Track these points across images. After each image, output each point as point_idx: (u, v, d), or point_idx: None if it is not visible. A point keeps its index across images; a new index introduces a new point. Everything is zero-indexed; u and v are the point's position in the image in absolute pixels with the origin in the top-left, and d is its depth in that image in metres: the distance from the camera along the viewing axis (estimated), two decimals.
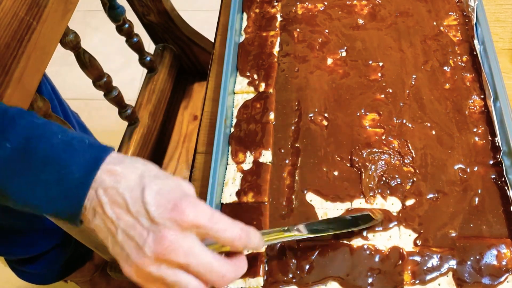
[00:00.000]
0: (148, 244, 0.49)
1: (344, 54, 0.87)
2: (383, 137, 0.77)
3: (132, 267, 0.51)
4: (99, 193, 0.51)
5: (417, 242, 0.68)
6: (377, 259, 0.67)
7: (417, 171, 0.73)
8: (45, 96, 0.83)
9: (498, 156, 0.73)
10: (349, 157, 0.76)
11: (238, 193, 0.74)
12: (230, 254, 0.56)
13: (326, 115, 0.80)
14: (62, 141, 0.53)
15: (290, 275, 0.67)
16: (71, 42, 0.92)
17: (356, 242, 0.68)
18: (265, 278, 0.67)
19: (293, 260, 0.67)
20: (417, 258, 0.66)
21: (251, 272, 0.67)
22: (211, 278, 0.51)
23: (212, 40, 0.98)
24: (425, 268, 0.66)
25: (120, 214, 0.51)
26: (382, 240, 0.68)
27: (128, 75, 2.14)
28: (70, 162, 0.51)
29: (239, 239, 0.53)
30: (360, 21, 0.91)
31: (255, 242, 0.56)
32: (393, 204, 0.71)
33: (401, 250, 0.67)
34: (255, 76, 0.86)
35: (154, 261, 0.49)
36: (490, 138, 0.75)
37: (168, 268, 0.50)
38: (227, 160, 0.78)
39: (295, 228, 0.63)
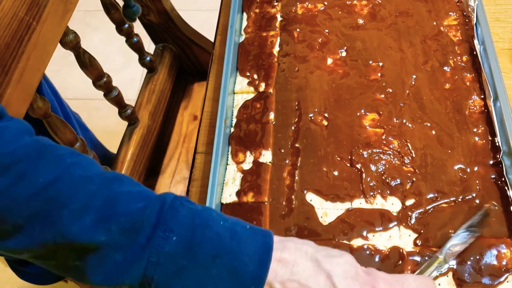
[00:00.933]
0: None
1: (344, 54, 0.87)
2: (383, 137, 0.77)
3: None
4: (276, 286, 0.49)
5: (417, 242, 0.68)
6: (377, 259, 0.67)
7: (417, 171, 0.73)
8: (45, 97, 0.83)
9: (498, 156, 0.73)
10: (349, 157, 0.76)
11: (238, 193, 0.74)
12: None
13: (326, 115, 0.80)
14: (226, 228, 0.50)
15: None
16: (71, 42, 0.92)
17: (356, 242, 0.68)
18: None
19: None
20: (417, 258, 0.66)
21: None
22: None
23: (212, 40, 0.98)
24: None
25: None
26: (382, 240, 0.68)
27: (128, 75, 2.14)
28: (241, 252, 0.49)
29: None
30: (360, 21, 0.91)
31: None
32: (393, 204, 0.71)
33: (401, 250, 0.67)
34: (255, 76, 0.86)
35: None
36: (490, 138, 0.75)
37: None
38: (227, 160, 0.78)
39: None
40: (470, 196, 0.71)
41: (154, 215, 0.49)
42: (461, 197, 0.71)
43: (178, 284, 0.47)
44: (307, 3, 0.94)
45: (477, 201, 0.70)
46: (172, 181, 1.25)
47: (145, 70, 1.32)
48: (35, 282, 1.24)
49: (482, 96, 0.79)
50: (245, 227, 0.51)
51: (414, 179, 0.73)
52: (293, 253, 0.51)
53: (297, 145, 0.78)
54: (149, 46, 1.34)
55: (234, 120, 0.82)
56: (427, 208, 0.70)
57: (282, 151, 0.78)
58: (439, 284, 0.64)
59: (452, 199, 0.71)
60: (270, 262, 0.49)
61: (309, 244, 0.53)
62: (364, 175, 0.74)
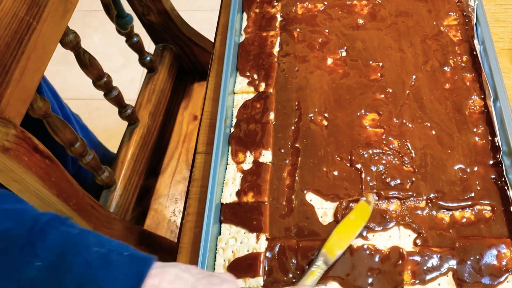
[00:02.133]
0: None
1: (344, 54, 0.87)
2: (383, 137, 0.77)
3: None
4: None
5: (417, 242, 0.68)
6: (377, 259, 0.67)
7: (417, 171, 0.73)
8: (45, 97, 0.83)
9: (498, 156, 0.73)
10: (349, 157, 0.76)
11: (238, 193, 0.74)
12: None
13: (326, 115, 0.80)
14: (100, 255, 0.48)
15: (290, 275, 0.67)
16: (71, 42, 0.92)
17: (356, 242, 0.68)
18: (265, 278, 0.67)
19: (293, 260, 0.67)
20: (417, 258, 0.66)
21: (250, 272, 0.67)
22: None
23: (212, 40, 0.98)
24: (425, 268, 0.66)
25: None
26: (382, 240, 0.68)
27: (128, 75, 2.14)
28: (107, 282, 0.47)
29: None
30: (360, 21, 0.91)
31: None
32: (393, 204, 0.71)
33: (401, 250, 0.67)
34: (255, 76, 0.85)
35: None
36: (490, 138, 0.75)
37: None
38: (227, 160, 0.78)
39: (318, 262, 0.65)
40: (470, 196, 0.71)
41: (21, 237, 0.47)
42: (461, 197, 0.71)
43: None
44: (307, 3, 0.94)
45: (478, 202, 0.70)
46: (172, 181, 1.25)
47: (145, 70, 1.32)
48: None
49: (482, 96, 0.79)
50: (121, 254, 0.49)
51: (414, 179, 0.73)
52: (172, 282, 0.49)
53: (297, 145, 0.78)
54: (149, 46, 1.34)
55: (234, 120, 0.82)
56: (427, 208, 0.70)
57: (282, 151, 0.78)
58: (439, 284, 0.65)
59: (452, 198, 0.71)
60: None
61: (191, 272, 0.51)
62: (364, 175, 0.74)
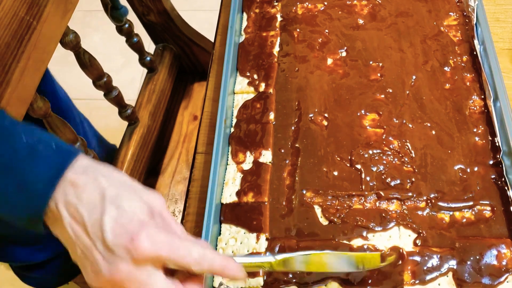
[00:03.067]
0: (103, 272, 0.48)
1: (344, 54, 0.87)
2: (383, 137, 0.77)
3: (90, 281, 0.51)
4: (60, 206, 0.49)
5: (417, 242, 0.68)
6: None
7: (417, 171, 0.73)
8: (47, 95, 0.83)
9: (498, 156, 0.73)
10: (349, 157, 0.76)
11: (238, 193, 0.74)
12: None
13: (326, 115, 0.80)
14: (27, 145, 0.49)
15: (290, 275, 0.67)
16: (71, 42, 0.92)
17: (356, 242, 0.68)
18: (265, 278, 0.67)
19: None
20: (417, 258, 0.66)
21: (250, 272, 0.67)
22: None
23: (212, 40, 0.98)
24: (425, 268, 0.66)
25: (79, 233, 0.49)
26: (382, 240, 0.68)
27: (128, 75, 2.14)
28: (31, 170, 0.48)
29: (200, 264, 0.51)
30: (360, 21, 0.91)
31: (231, 270, 0.54)
32: (393, 204, 0.71)
33: (401, 250, 0.67)
34: (255, 76, 0.86)
35: (114, 285, 0.49)
36: (490, 138, 0.75)
37: None
38: (227, 160, 0.78)
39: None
40: (470, 196, 0.71)
41: None
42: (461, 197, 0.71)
43: None
44: (307, 3, 0.94)
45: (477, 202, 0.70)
46: (172, 181, 1.25)
47: (145, 70, 1.32)
48: (44, 286, 1.24)
49: (482, 96, 0.79)
50: (50, 146, 0.50)
51: (414, 179, 0.73)
52: (88, 181, 0.50)
53: (297, 145, 0.78)
54: (149, 46, 1.34)
55: (234, 120, 0.82)
56: (427, 208, 0.70)
57: (282, 151, 0.78)
58: (439, 284, 0.65)
59: (451, 199, 0.71)
60: (58, 181, 0.48)
61: (110, 177, 0.51)
62: (364, 175, 0.74)
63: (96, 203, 0.49)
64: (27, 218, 0.50)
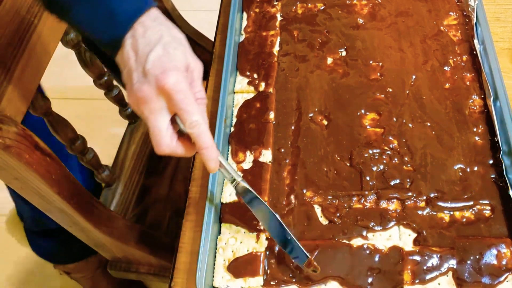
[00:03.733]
0: (133, 88, 0.61)
1: (344, 53, 0.87)
2: (383, 137, 0.77)
3: (127, 98, 0.66)
4: (127, 37, 0.62)
5: (417, 241, 0.68)
6: (377, 258, 0.67)
7: (416, 170, 0.73)
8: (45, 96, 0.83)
9: (498, 156, 0.73)
10: (349, 156, 0.76)
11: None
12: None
13: (326, 114, 0.80)
14: None
15: (290, 275, 0.67)
16: (72, 41, 0.92)
17: (356, 242, 0.68)
18: (264, 278, 0.67)
19: (292, 260, 0.67)
20: (417, 258, 0.66)
21: (251, 271, 0.67)
22: (152, 139, 0.63)
23: (213, 40, 0.98)
24: (425, 267, 0.66)
25: (131, 58, 0.62)
26: (381, 239, 0.68)
27: None
28: (119, 6, 0.61)
29: (193, 127, 0.62)
30: (360, 21, 0.91)
31: (210, 150, 0.64)
32: (392, 204, 0.71)
33: (401, 250, 0.67)
34: (255, 76, 0.86)
35: (135, 100, 0.61)
36: (490, 138, 0.75)
37: (141, 110, 0.62)
38: (227, 159, 0.78)
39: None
40: (470, 196, 0.71)
41: None
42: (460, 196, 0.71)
43: (75, 8, 0.61)
44: (307, 2, 0.94)
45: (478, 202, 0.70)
46: (173, 180, 1.25)
47: None
48: (47, 258, 1.26)
49: (482, 96, 0.79)
50: None
51: (414, 179, 0.73)
52: (154, 26, 0.62)
53: (297, 144, 0.78)
54: None
55: (234, 120, 0.82)
56: (426, 207, 0.70)
57: (282, 150, 0.78)
58: (438, 284, 0.65)
59: (451, 198, 0.71)
60: (136, 19, 0.61)
61: (170, 29, 0.64)
62: (364, 174, 0.74)
63: (152, 42, 0.61)
64: (109, 41, 0.63)
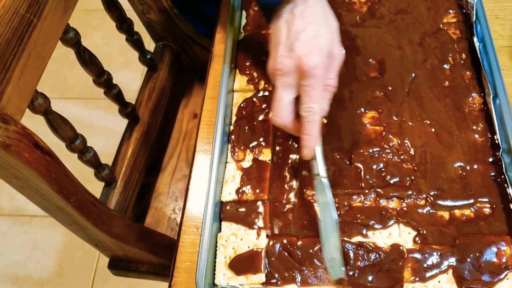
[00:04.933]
0: (277, 60, 0.67)
1: (343, 51, 0.87)
2: (383, 135, 0.77)
3: (268, 65, 0.71)
4: (286, 10, 0.68)
5: (417, 239, 0.68)
6: (377, 256, 0.67)
7: (416, 168, 0.73)
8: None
9: (497, 154, 0.73)
10: (349, 155, 0.76)
11: (237, 191, 0.74)
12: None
13: None
14: None
15: (292, 271, 0.67)
16: (72, 40, 0.92)
17: (357, 240, 0.68)
18: (266, 274, 0.67)
19: (294, 257, 0.68)
20: (417, 256, 0.67)
21: (252, 268, 0.67)
22: (273, 108, 0.70)
23: (212, 38, 0.98)
24: (425, 265, 0.66)
25: (282, 31, 0.68)
26: (382, 237, 0.69)
27: (128, 74, 2.14)
28: None
29: (307, 112, 0.66)
30: (359, 19, 0.91)
31: (311, 139, 0.68)
32: (392, 202, 0.71)
33: (401, 248, 0.67)
34: (255, 74, 0.85)
35: (273, 70, 0.68)
36: (489, 136, 0.75)
37: (274, 79, 0.69)
38: (227, 158, 0.78)
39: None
40: (470, 194, 0.71)
41: None
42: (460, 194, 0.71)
43: None
44: None
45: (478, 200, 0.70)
46: (172, 179, 1.25)
47: (145, 70, 1.33)
48: None
49: (482, 94, 0.79)
50: None
51: (414, 177, 0.73)
52: (315, 7, 0.68)
53: (296, 143, 0.78)
54: (149, 45, 1.34)
55: (234, 118, 0.82)
56: (426, 205, 0.70)
57: (282, 149, 0.78)
58: (439, 282, 0.65)
59: (451, 196, 0.71)
60: None
61: (328, 15, 0.69)
62: (363, 173, 0.74)
63: (307, 22, 0.67)
64: (269, 5, 0.71)
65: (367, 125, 0.78)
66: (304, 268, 0.67)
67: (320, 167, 0.69)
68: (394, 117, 0.78)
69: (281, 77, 0.67)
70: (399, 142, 0.76)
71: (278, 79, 0.68)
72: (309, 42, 0.66)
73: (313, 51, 0.65)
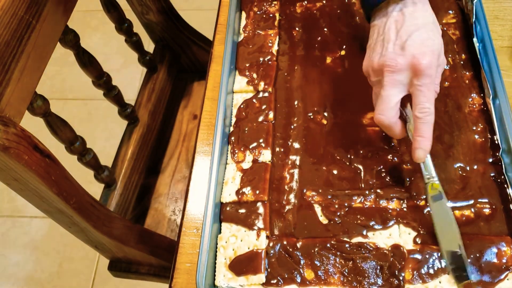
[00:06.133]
0: (385, 57, 0.66)
1: (343, 52, 0.87)
2: (383, 136, 0.77)
3: (366, 61, 0.71)
4: (396, 9, 0.68)
5: (417, 240, 0.68)
6: (378, 257, 0.67)
7: (416, 169, 0.73)
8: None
9: (497, 154, 0.73)
10: (349, 156, 0.76)
11: (237, 192, 0.74)
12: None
13: (325, 113, 0.80)
14: None
15: (292, 272, 0.67)
16: (71, 41, 0.92)
17: (357, 240, 0.68)
18: (266, 275, 0.67)
19: (294, 257, 0.68)
20: (418, 256, 0.67)
21: (252, 269, 0.67)
22: (378, 106, 0.68)
23: (211, 40, 0.98)
24: (425, 266, 0.66)
25: (391, 30, 0.67)
26: (382, 238, 0.69)
27: (128, 76, 2.14)
28: None
29: (423, 113, 0.65)
30: (359, 20, 0.90)
31: (425, 141, 0.66)
32: (392, 202, 0.71)
33: (401, 248, 0.67)
34: (254, 75, 0.85)
35: (380, 67, 0.67)
36: (489, 136, 0.75)
37: (380, 77, 0.68)
38: (227, 159, 0.78)
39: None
40: (470, 194, 0.71)
41: None
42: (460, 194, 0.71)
43: None
44: (305, 2, 0.94)
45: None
46: (172, 180, 1.25)
47: (144, 71, 1.33)
48: None
49: (482, 94, 0.79)
50: None
51: (413, 178, 0.73)
52: (423, 9, 0.68)
53: (296, 144, 0.78)
54: (149, 46, 1.34)
55: (234, 119, 0.82)
56: (426, 206, 0.70)
57: (282, 150, 0.78)
58: (439, 282, 0.65)
59: (451, 197, 0.71)
60: None
61: (435, 19, 0.69)
62: (363, 173, 0.74)
63: (418, 23, 0.66)
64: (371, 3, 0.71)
65: (367, 125, 0.78)
66: (304, 269, 0.67)
67: (431, 170, 0.68)
68: None
69: (391, 74, 0.66)
70: (399, 142, 0.76)
71: (387, 76, 0.66)
72: (421, 44, 0.65)
73: (426, 51, 0.64)
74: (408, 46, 0.65)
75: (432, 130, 0.65)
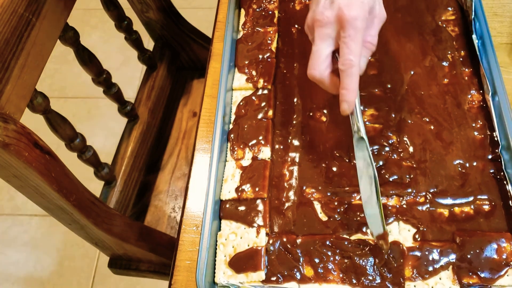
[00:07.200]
0: (316, 12, 0.66)
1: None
2: (382, 133, 0.77)
3: (308, 17, 0.70)
4: None
5: (417, 237, 0.68)
6: (377, 254, 0.67)
7: (415, 166, 0.73)
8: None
9: (496, 151, 0.73)
10: (348, 152, 0.76)
11: (237, 190, 0.74)
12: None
13: (325, 111, 0.80)
14: None
15: (291, 269, 0.67)
16: (71, 39, 0.92)
17: (356, 237, 0.69)
18: (266, 272, 0.67)
19: (294, 254, 0.68)
20: (417, 253, 0.67)
21: (252, 266, 0.67)
22: (310, 61, 0.68)
23: (211, 37, 0.98)
24: (425, 263, 0.66)
25: None
26: None
27: (127, 73, 2.14)
28: None
29: (345, 65, 0.64)
30: None
31: (349, 93, 0.65)
32: (392, 199, 0.71)
33: (401, 245, 0.67)
34: (254, 73, 0.85)
35: (312, 22, 0.67)
36: (488, 133, 0.75)
37: (312, 32, 0.68)
38: (226, 156, 0.78)
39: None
40: (469, 191, 0.71)
41: None
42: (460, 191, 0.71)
43: None
44: None
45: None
46: (172, 178, 1.25)
47: (144, 69, 1.33)
48: None
49: (481, 91, 0.79)
50: None
51: (413, 175, 0.73)
52: None
53: (296, 141, 0.78)
54: (148, 44, 1.34)
55: (233, 117, 0.82)
56: (426, 203, 0.70)
57: (281, 147, 0.78)
58: (439, 279, 0.65)
59: (451, 193, 0.71)
60: None
61: None
62: None
63: None
64: None
65: (367, 122, 0.78)
66: (303, 266, 0.67)
67: (360, 124, 0.67)
68: (393, 115, 0.78)
69: (320, 28, 0.66)
70: (398, 139, 0.76)
71: (316, 31, 0.67)
72: None
73: (354, 3, 0.64)
74: (337, 0, 0.65)
75: (358, 83, 0.65)
